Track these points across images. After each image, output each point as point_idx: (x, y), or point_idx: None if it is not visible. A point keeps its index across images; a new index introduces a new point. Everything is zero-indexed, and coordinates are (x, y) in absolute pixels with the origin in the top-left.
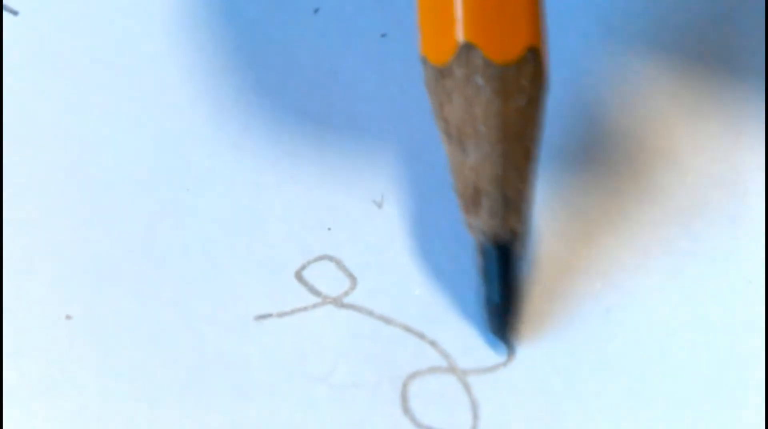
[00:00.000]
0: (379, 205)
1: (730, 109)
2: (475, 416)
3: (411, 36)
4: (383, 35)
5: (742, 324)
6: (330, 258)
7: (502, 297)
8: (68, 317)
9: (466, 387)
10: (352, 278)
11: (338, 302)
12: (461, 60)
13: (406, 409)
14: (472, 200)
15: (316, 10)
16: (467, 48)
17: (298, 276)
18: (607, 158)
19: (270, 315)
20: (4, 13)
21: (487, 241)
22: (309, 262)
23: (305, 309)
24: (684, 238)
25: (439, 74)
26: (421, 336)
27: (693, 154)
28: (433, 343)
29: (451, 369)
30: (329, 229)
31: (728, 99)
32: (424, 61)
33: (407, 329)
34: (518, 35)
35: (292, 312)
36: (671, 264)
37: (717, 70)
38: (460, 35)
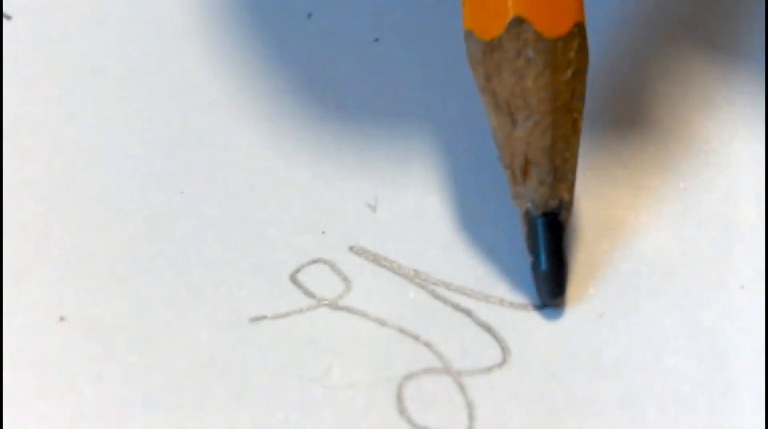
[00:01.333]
0: (373, 209)
1: (725, 112)
2: (471, 417)
3: (404, 40)
4: (376, 39)
5: (734, 329)
6: (324, 261)
7: (550, 264)
8: (62, 319)
9: (462, 388)
10: (347, 281)
11: (333, 304)
12: (512, 34)
13: (402, 410)
14: (521, 170)
15: (310, 15)
16: (518, 22)
17: (293, 279)
18: (600, 164)
19: (265, 317)
20: None
21: (536, 210)
22: (303, 265)
23: (300, 311)
24: (676, 243)
25: (488, 48)
26: (416, 338)
27: (686, 158)
28: (428, 345)
29: (446, 370)
30: (323, 232)
31: (723, 102)
32: (469, 35)
33: (402, 331)
34: (566, 11)
35: (287, 314)
36: (664, 268)
37: (713, 73)
38: (511, 10)
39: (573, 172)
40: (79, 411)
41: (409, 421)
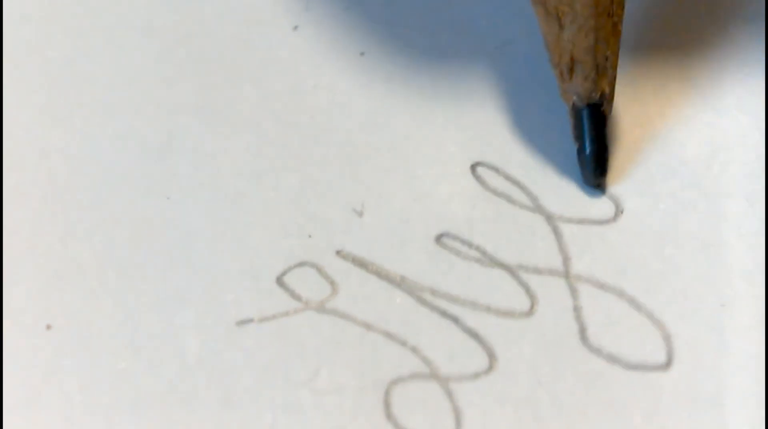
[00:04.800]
0: (360, 214)
1: (705, 132)
2: (458, 423)
3: (389, 54)
4: (362, 53)
5: (714, 347)
6: (311, 264)
7: (594, 148)
8: (49, 327)
9: (449, 393)
10: (334, 284)
11: (320, 308)
12: None
13: (389, 415)
14: (567, 68)
15: (296, 28)
16: None
17: (280, 281)
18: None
19: (251, 320)
20: None
21: (580, 101)
22: (290, 268)
23: (287, 314)
24: (657, 261)
25: None
26: (402, 343)
27: (665, 179)
28: (414, 350)
29: (433, 375)
30: (310, 236)
31: (703, 122)
32: None
33: (389, 336)
34: None
35: (274, 317)
36: (644, 287)
37: (696, 91)
38: None
39: (613, 69)
40: (67, 419)
41: (397, 425)
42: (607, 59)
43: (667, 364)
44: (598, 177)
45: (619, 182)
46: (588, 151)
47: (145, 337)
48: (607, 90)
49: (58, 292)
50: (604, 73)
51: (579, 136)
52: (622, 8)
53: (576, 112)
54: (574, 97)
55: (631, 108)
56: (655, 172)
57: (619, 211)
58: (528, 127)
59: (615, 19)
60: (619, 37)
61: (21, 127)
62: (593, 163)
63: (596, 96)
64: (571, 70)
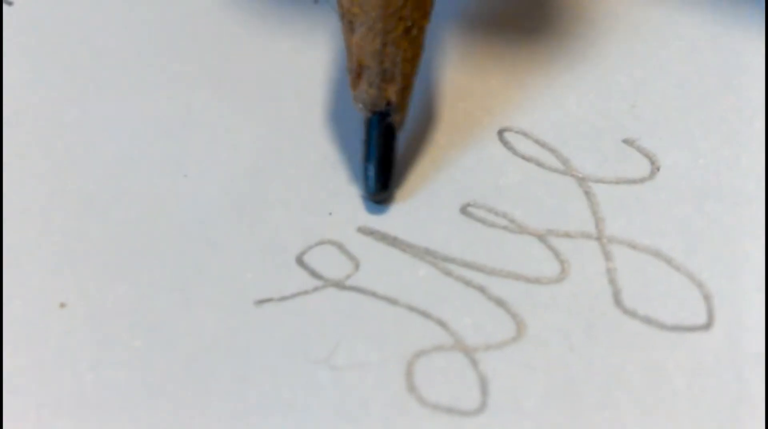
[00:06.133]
0: None
1: (737, 92)
2: (484, 392)
3: None
4: None
5: (757, 306)
6: (332, 242)
7: (376, 162)
8: (63, 305)
9: (474, 363)
10: (355, 261)
11: (340, 285)
12: None
13: (412, 388)
14: (356, 74)
15: (316, 1)
16: None
17: (299, 260)
18: (617, 143)
19: (270, 299)
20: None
21: (365, 109)
22: (310, 247)
23: (306, 292)
24: (696, 219)
25: None
26: (426, 315)
27: (705, 135)
28: (439, 322)
29: (458, 346)
30: (330, 213)
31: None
32: None
33: (412, 309)
34: None
35: (293, 296)
36: (683, 246)
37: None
38: None
39: (405, 76)
40: (81, 397)
41: (420, 399)
42: (396, 65)
43: (708, 324)
44: (379, 191)
45: (654, 138)
46: (371, 162)
47: (161, 317)
48: (394, 99)
49: (72, 269)
50: (392, 80)
51: (365, 145)
52: (423, 14)
53: (364, 121)
54: (360, 106)
55: (668, 64)
56: (694, 127)
57: (655, 168)
58: (553, 89)
59: (408, 23)
60: (419, 44)
61: (37, 105)
62: (375, 176)
63: (382, 104)
64: (359, 76)
